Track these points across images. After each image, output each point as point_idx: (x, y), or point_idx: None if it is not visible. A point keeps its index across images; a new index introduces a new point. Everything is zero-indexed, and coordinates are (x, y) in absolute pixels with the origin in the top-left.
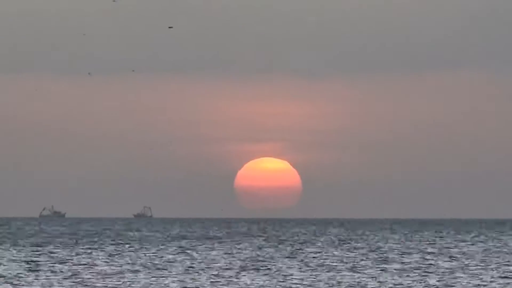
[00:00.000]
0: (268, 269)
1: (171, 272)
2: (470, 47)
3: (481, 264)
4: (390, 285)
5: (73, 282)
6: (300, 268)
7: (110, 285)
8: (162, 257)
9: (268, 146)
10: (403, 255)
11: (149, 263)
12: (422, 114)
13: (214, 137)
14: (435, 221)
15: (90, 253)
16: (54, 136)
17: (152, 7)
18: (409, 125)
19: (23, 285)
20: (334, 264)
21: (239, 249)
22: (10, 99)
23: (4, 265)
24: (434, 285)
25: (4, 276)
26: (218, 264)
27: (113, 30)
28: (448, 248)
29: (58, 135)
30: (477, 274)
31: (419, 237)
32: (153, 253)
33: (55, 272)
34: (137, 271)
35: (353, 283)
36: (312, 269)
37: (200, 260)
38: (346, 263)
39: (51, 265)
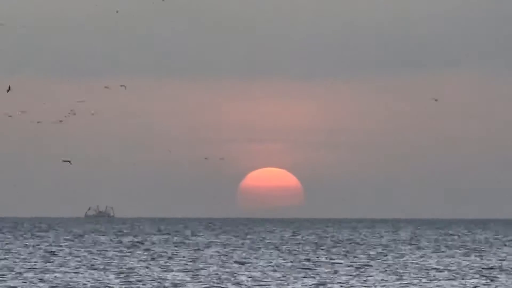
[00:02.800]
0: None
1: None
2: (469, 47)
3: None
4: None
5: None
6: None
7: None
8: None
9: (267, 146)
10: None
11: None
12: (422, 113)
13: (213, 138)
14: (435, 221)
15: None
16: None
17: (153, 8)
18: (409, 124)
19: None
20: None
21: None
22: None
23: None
24: None
25: None
26: None
27: (114, 32)
28: None
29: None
30: None
31: None
32: None
33: None
34: None
35: None
36: None
37: None
38: None
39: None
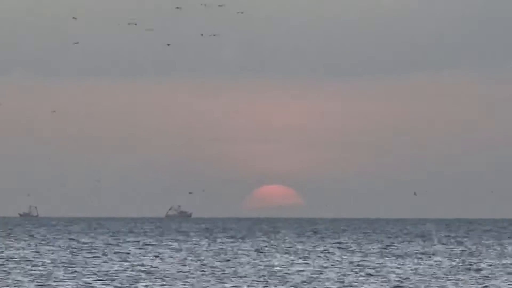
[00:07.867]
0: None
1: None
2: (467, 48)
3: None
4: None
5: None
6: None
7: None
8: None
9: (268, 146)
10: None
11: None
12: (420, 113)
13: (214, 138)
14: (434, 221)
15: None
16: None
17: (151, 7)
18: (408, 125)
19: None
20: None
21: None
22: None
23: None
24: None
25: None
26: None
27: (114, 33)
28: None
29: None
30: None
31: None
32: None
33: None
34: None
35: None
36: None
37: None
38: None
39: None
